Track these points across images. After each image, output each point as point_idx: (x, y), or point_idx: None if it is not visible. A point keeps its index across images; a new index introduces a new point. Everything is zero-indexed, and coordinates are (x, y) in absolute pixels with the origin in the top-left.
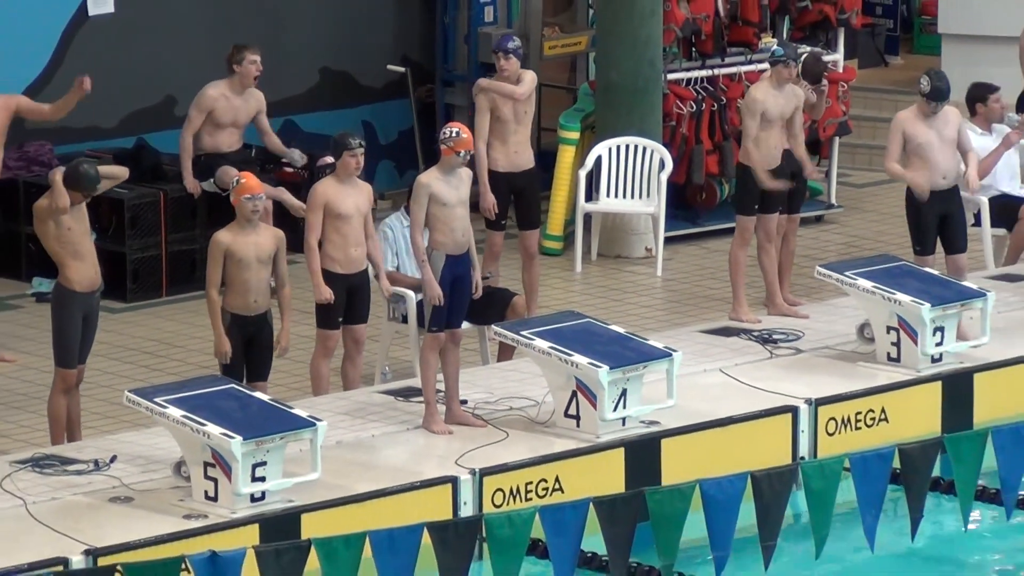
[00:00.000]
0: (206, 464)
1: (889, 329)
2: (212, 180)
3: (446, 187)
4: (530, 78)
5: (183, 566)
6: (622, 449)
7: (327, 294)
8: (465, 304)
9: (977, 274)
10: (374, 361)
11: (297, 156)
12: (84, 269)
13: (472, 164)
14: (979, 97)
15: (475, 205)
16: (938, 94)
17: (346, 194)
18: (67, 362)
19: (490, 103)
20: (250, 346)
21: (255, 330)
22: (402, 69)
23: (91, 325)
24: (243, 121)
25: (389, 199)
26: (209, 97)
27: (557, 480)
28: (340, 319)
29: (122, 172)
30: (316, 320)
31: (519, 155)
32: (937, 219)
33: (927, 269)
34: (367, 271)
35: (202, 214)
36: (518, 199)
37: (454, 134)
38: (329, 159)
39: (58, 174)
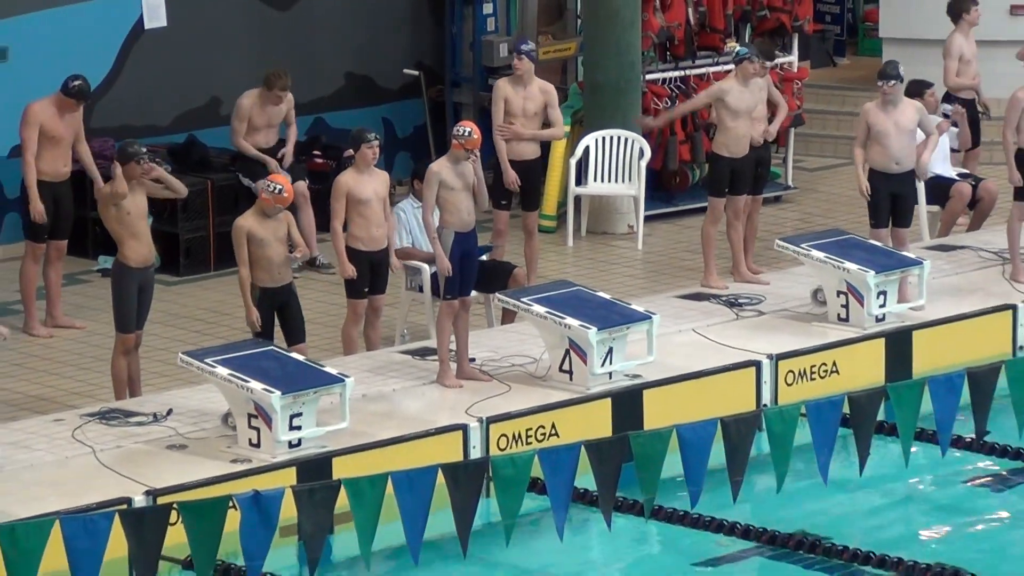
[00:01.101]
0: (250, 416)
1: (839, 293)
2: (250, 178)
3: (453, 174)
4: (543, 89)
5: (230, 504)
6: (609, 399)
7: (351, 271)
8: (473, 274)
9: (914, 245)
10: (395, 325)
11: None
12: (139, 248)
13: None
14: (917, 92)
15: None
16: (881, 74)
17: (365, 182)
18: (125, 328)
19: (503, 98)
20: (282, 314)
21: (284, 299)
22: (416, 73)
23: (146, 295)
24: (276, 121)
25: (405, 185)
26: (245, 107)
27: (553, 426)
28: (366, 289)
29: (182, 189)
30: (345, 292)
31: (521, 146)
32: (890, 198)
33: (872, 241)
34: (386, 248)
35: (243, 200)
36: (521, 185)
37: (467, 133)
38: (350, 152)
39: (119, 167)
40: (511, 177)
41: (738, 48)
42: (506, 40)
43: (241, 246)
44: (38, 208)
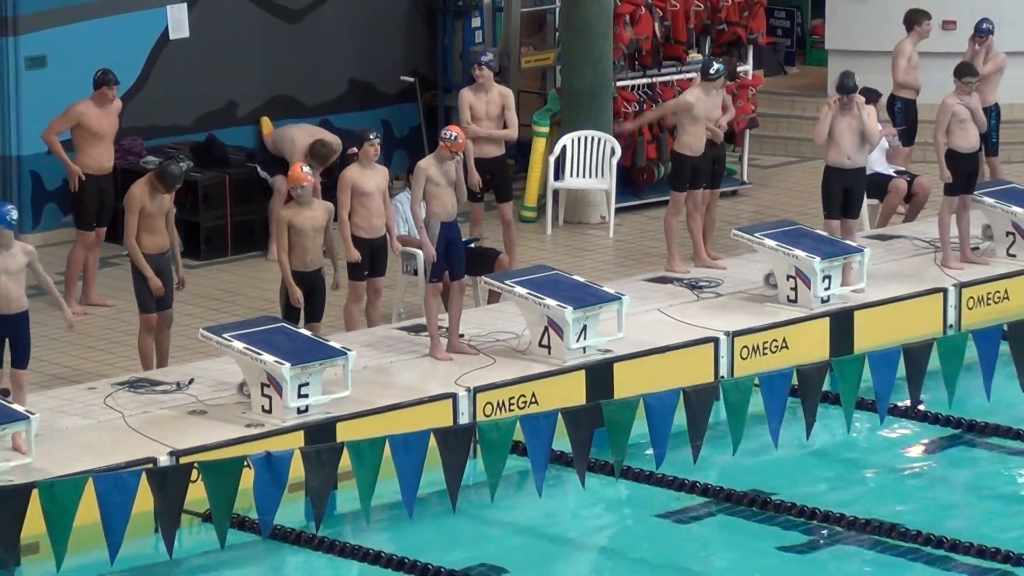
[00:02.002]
0: (263, 385)
1: (788, 277)
2: (268, 173)
3: (439, 172)
4: (502, 94)
5: (245, 463)
6: (583, 371)
7: (356, 255)
8: (460, 258)
9: (856, 234)
10: (392, 305)
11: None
12: (153, 238)
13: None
14: (869, 100)
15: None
16: (840, 88)
17: (368, 176)
18: (145, 308)
19: (468, 104)
20: (308, 296)
21: (312, 283)
22: (412, 79)
23: (166, 278)
24: None
25: (403, 180)
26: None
27: (533, 395)
28: (366, 272)
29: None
30: (348, 274)
31: (487, 147)
32: (842, 191)
33: (820, 231)
34: (386, 236)
35: (258, 193)
36: (492, 180)
37: (453, 137)
38: (354, 149)
39: (155, 183)
40: (475, 179)
41: (716, 65)
42: (492, 50)
43: (282, 234)
44: (72, 168)
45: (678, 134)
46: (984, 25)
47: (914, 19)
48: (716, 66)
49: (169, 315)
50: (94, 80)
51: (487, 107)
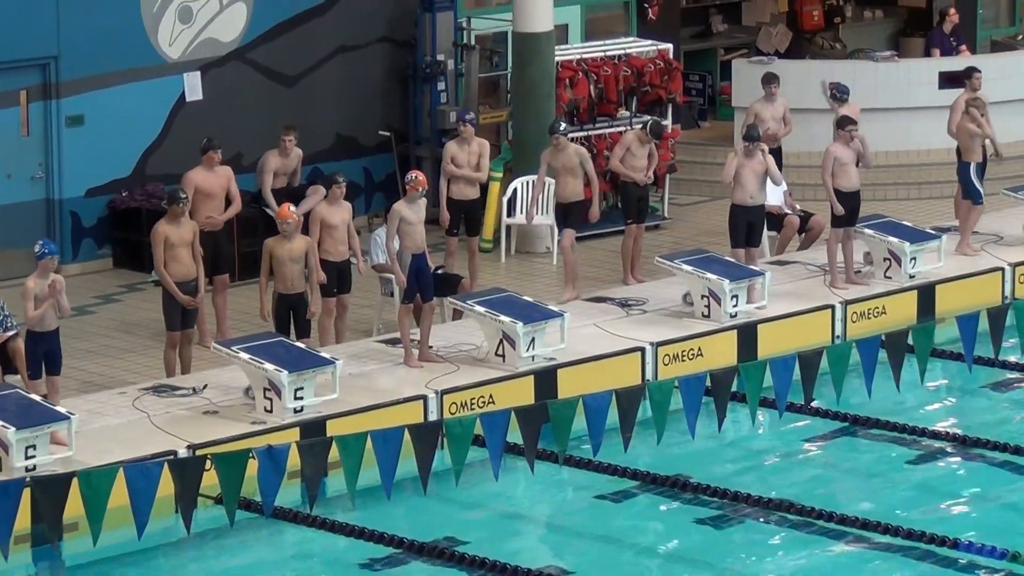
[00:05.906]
0: (264, 389)
1: (703, 296)
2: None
3: (410, 212)
4: (480, 144)
5: (250, 454)
6: (532, 376)
7: (323, 277)
8: (429, 283)
9: (758, 260)
10: (372, 321)
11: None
12: (177, 267)
13: (435, 194)
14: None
15: (437, 220)
16: (746, 136)
17: (334, 212)
18: (170, 327)
19: (452, 154)
20: (295, 314)
21: (295, 303)
22: (388, 133)
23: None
24: (291, 170)
25: (381, 217)
26: (270, 163)
27: (491, 396)
28: (335, 290)
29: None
30: (321, 292)
31: (465, 190)
32: (746, 225)
33: (729, 258)
34: (349, 259)
35: (261, 228)
36: (466, 218)
37: (414, 178)
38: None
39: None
40: (445, 217)
41: (648, 119)
42: (455, 110)
43: (264, 261)
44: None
45: (611, 162)
46: (837, 93)
47: (762, 82)
48: (650, 121)
49: (191, 333)
50: (201, 148)
51: (468, 156)
